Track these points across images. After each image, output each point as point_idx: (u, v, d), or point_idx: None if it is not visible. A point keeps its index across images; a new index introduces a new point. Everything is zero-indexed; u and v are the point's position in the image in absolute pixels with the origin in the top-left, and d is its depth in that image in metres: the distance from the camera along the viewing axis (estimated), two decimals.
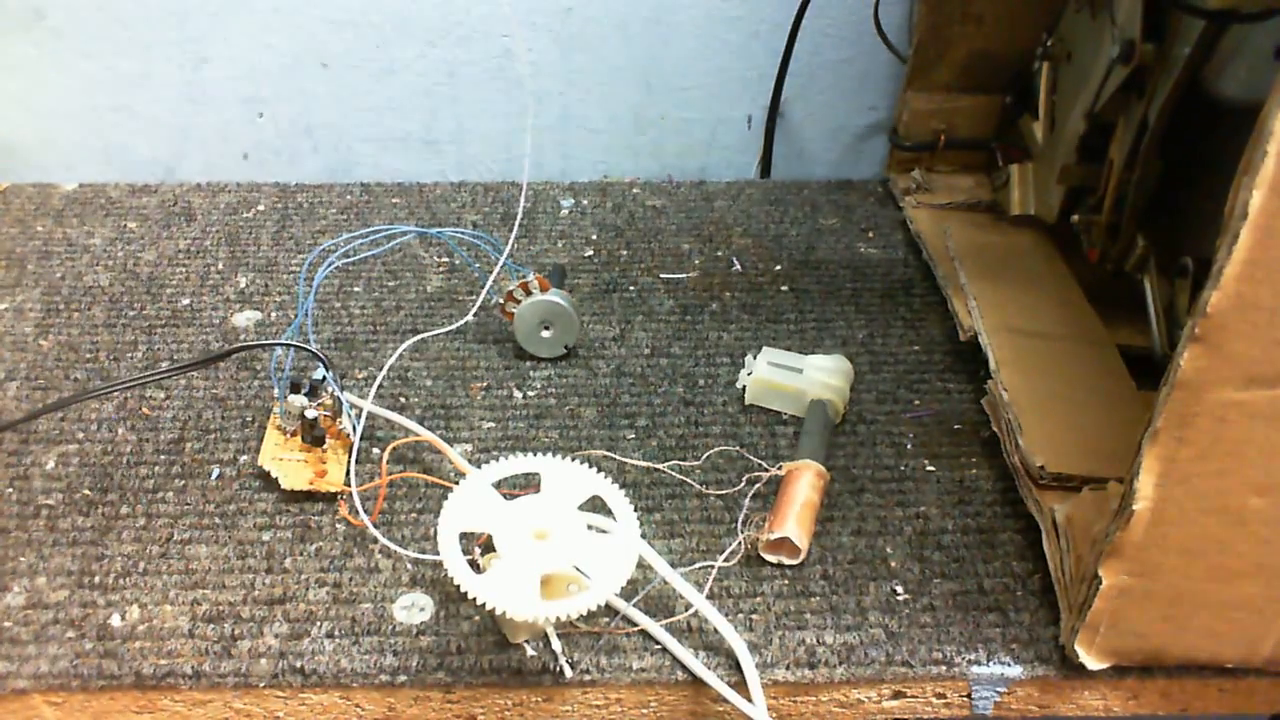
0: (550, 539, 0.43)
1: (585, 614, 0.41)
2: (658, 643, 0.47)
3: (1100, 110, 0.61)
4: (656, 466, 0.56)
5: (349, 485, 0.53)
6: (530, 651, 0.47)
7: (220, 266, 0.71)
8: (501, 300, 0.62)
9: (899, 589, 0.50)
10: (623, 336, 0.66)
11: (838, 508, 0.54)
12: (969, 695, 0.47)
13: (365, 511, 0.52)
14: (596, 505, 0.46)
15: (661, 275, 0.72)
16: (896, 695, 0.48)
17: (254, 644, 0.47)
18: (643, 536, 0.47)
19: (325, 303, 0.68)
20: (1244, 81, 0.53)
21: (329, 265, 0.61)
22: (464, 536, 0.43)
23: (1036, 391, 0.56)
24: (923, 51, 0.75)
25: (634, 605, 0.48)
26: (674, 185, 0.82)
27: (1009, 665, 0.47)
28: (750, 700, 0.45)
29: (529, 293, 0.62)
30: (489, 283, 0.63)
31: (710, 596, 0.49)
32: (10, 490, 0.54)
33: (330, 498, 0.54)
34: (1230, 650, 0.45)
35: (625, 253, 0.74)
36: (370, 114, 0.82)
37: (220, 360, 0.62)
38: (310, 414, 0.54)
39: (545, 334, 0.63)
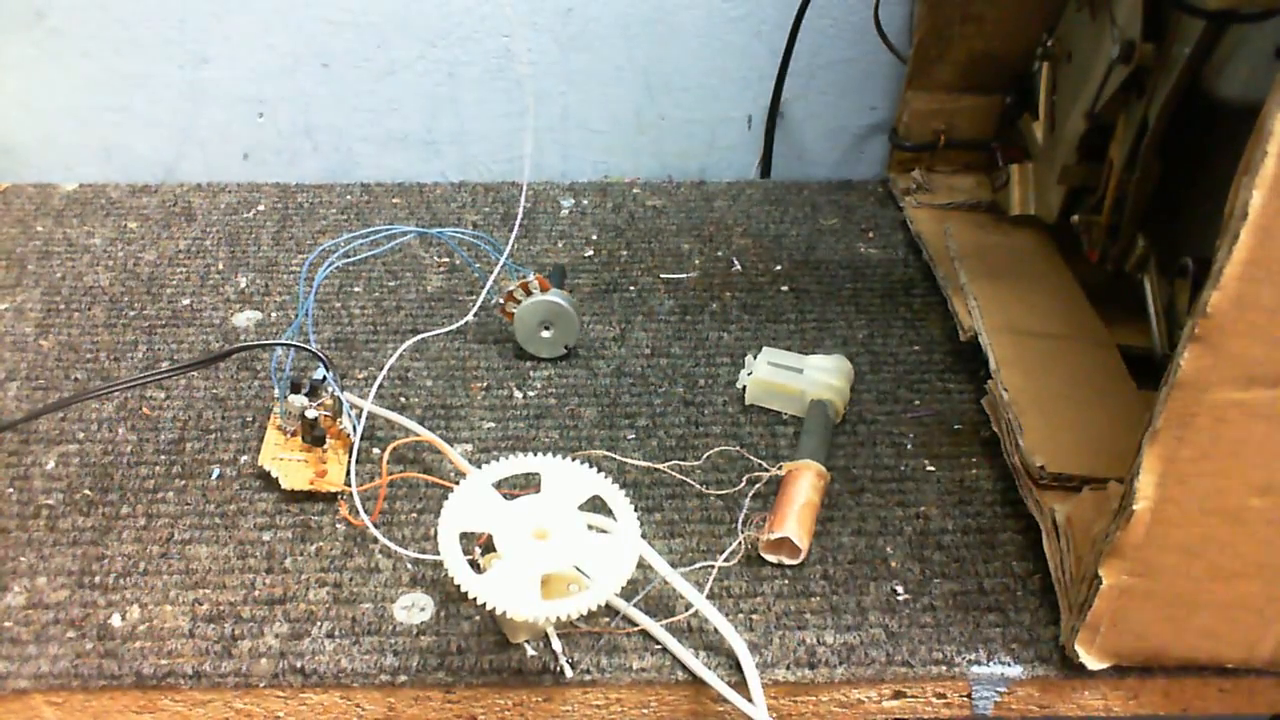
0: (550, 539, 0.43)
1: (585, 614, 0.41)
2: (658, 643, 0.47)
3: (1100, 110, 0.61)
4: (656, 466, 0.56)
5: (349, 485, 0.53)
6: (530, 651, 0.47)
7: (220, 266, 0.71)
8: (501, 300, 0.62)
9: (899, 589, 0.50)
10: (623, 336, 0.66)
11: (838, 508, 0.54)
12: (969, 695, 0.47)
13: (365, 511, 0.52)
14: (596, 505, 0.46)
15: (661, 275, 0.72)
16: (897, 695, 0.48)
17: (254, 644, 0.47)
18: (643, 536, 0.47)
19: (325, 303, 0.68)
20: (1244, 81, 0.53)
21: (329, 265, 0.61)
22: (464, 536, 0.43)
23: (1036, 391, 0.56)
24: (923, 51, 0.75)
25: (634, 605, 0.48)
26: (674, 185, 0.82)
27: (1009, 665, 0.47)
28: (750, 700, 0.45)
29: (529, 293, 0.62)
30: (489, 283, 0.63)
31: (710, 596, 0.49)
32: (10, 490, 0.54)
33: (330, 498, 0.54)
34: (1230, 650, 0.45)
35: (625, 253, 0.74)
36: (370, 114, 0.82)
37: (220, 360, 0.62)
38: (310, 414, 0.54)
39: (545, 334, 0.63)
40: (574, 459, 0.46)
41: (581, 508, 0.45)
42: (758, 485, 0.55)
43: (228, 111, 0.82)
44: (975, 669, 0.47)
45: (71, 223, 0.75)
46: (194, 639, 0.47)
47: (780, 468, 0.55)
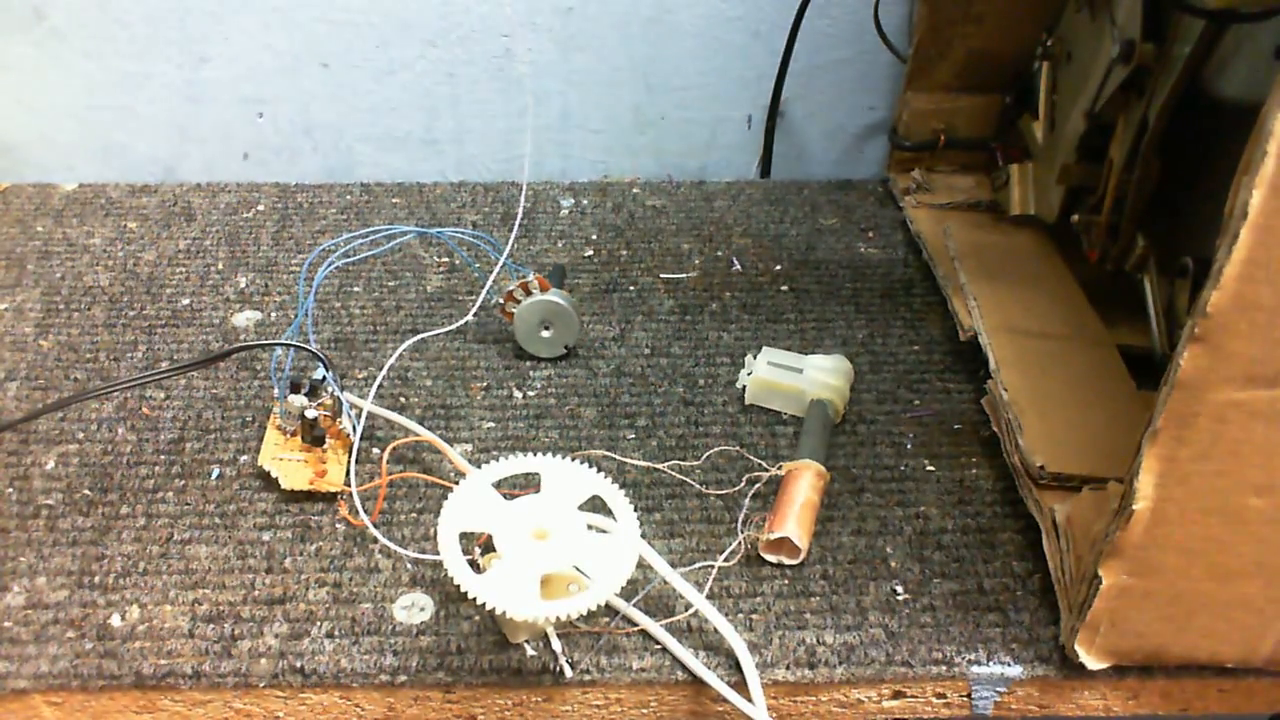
0: (550, 539, 0.43)
1: (585, 614, 0.41)
2: (658, 643, 0.47)
3: (1100, 110, 0.61)
4: (656, 466, 0.56)
5: (349, 485, 0.53)
6: (530, 651, 0.47)
7: (220, 266, 0.71)
8: (501, 300, 0.62)
9: (899, 589, 0.50)
10: (623, 336, 0.66)
11: (838, 508, 0.54)
12: (969, 695, 0.47)
13: (365, 511, 0.52)
14: (596, 505, 0.46)
15: (661, 275, 0.72)
16: (896, 695, 0.48)
17: (254, 644, 0.47)
18: (643, 536, 0.47)
19: (325, 303, 0.68)
20: (1244, 81, 0.53)
21: (329, 265, 0.61)
22: (464, 536, 0.43)
23: (1036, 391, 0.56)
24: (923, 51, 0.75)
25: (634, 605, 0.48)
26: (674, 185, 0.82)
27: (1009, 665, 0.47)
28: (750, 700, 0.45)
29: (529, 293, 0.62)
30: (489, 283, 0.63)
31: (710, 596, 0.49)
32: (10, 490, 0.54)
33: (330, 498, 0.54)
34: (1230, 650, 0.45)
35: (625, 253, 0.74)
36: (370, 114, 0.82)
37: (220, 360, 0.62)
38: (310, 414, 0.54)
39: (545, 334, 0.63)
40: (574, 459, 0.46)
41: (581, 508, 0.45)
42: (757, 485, 0.55)
43: (227, 111, 0.82)
44: (975, 669, 0.47)
45: (71, 223, 0.75)
46: (194, 639, 0.47)
47: (780, 467, 0.55)
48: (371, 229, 0.69)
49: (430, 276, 0.71)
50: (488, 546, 0.46)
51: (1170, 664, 0.46)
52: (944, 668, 0.47)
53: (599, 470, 0.46)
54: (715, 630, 0.47)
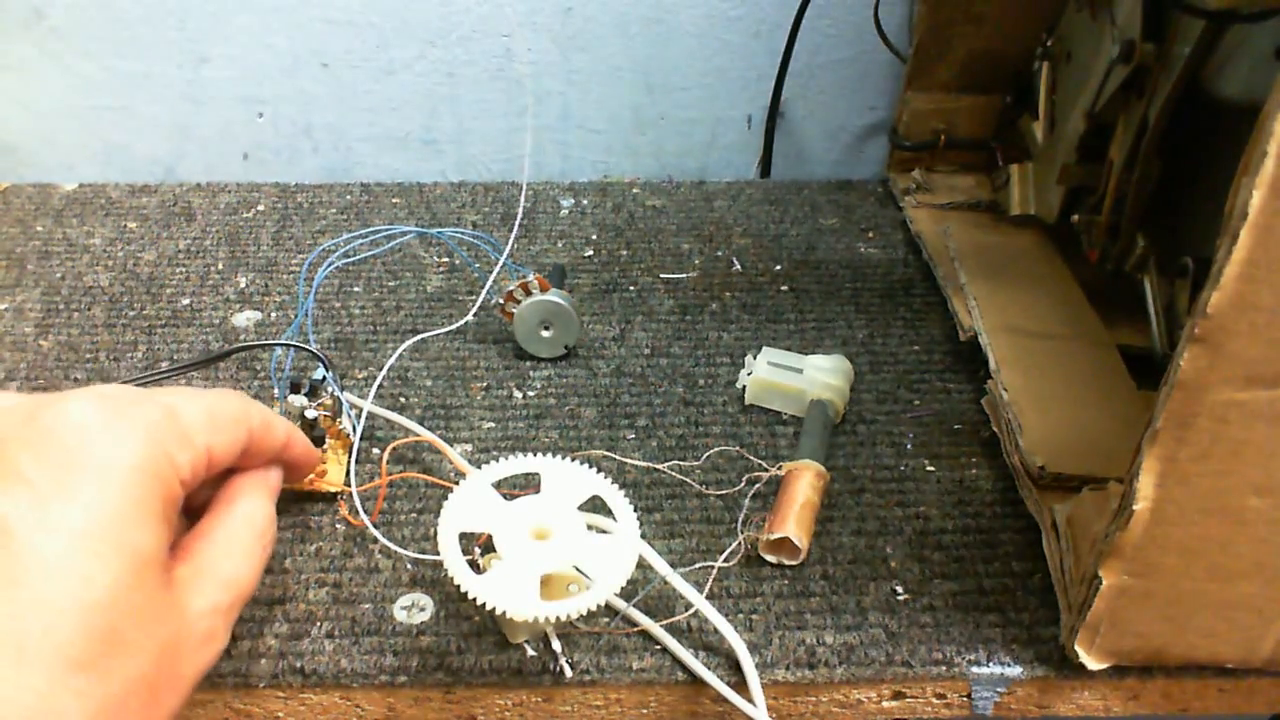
0: (550, 539, 0.43)
1: (585, 614, 0.41)
2: (658, 643, 0.47)
3: (1100, 110, 0.61)
4: (656, 466, 0.56)
5: (349, 485, 0.53)
6: (530, 651, 0.47)
7: (220, 266, 0.71)
8: (501, 300, 0.62)
9: (899, 589, 0.50)
10: (623, 336, 0.66)
11: (838, 508, 0.54)
12: (969, 695, 0.47)
13: (365, 511, 0.52)
14: (596, 505, 0.46)
15: (661, 275, 0.72)
16: (896, 695, 0.48)
17: (254, 644, 0.47)
18: (643, 536, 0.47)
19: (325, 303, 0.68)
20: (1244, 81, 0.53)
21: (329, 265, 0.61)
22: (464, 536, 0.43)
23: (1036, 391, 0.56)
24: (923, 51, 0.75)
25: (634, 605, 0.48)
26: (674, 185, 0.82)
27: (1009, 665, 0.47)
28: (750, 700, 0.45)
29: (529, 293, 0.62)
30: (489, 283, 0.63)
31: (710, 596, 0.48)
32: None
33: (330, 498, 0.54)
34: (1230, 650, 0.45)
35: (625, 253, 0.74)
36: (370, 114, 0.82)
37: (220, 360, 0.62)
38: (310, 414, 0.54)
39: (545, 334, 0.63)
40: (574, 459, 0.46)
41: (581, 508, 0.45)
42: (757, 485, 0.55)
43: (228, 111, 0.82)
44: (975, 669, 0.47)
45: (71, 223, 0.75)
46: None
47: (780, 468, 0.55)
48: (371, 229, 0.69)
49: (430, 276, 0.71)
50: (488, 546, 0.46)
51: (1170, 664, 0.46)
52: (944, 668, 0.47)
53: (599, 470, 0.46)
54: (715, 630, 0.47)
